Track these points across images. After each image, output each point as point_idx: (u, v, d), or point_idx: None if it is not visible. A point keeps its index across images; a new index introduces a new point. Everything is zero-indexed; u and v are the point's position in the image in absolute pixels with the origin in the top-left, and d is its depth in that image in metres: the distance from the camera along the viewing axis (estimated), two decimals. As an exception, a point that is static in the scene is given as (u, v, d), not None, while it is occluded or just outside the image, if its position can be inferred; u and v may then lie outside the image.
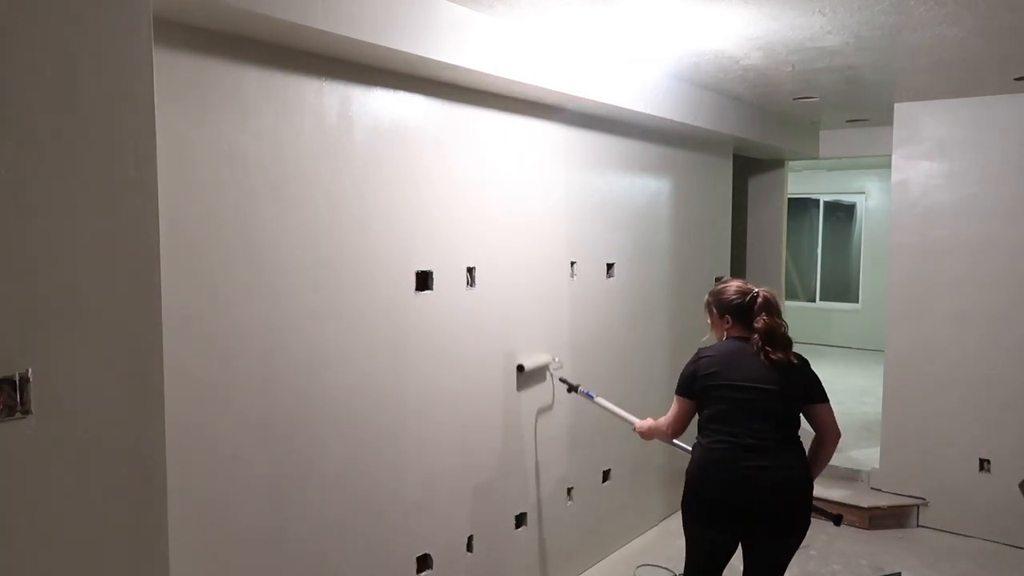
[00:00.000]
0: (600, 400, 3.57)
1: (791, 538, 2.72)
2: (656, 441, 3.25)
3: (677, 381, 2.89)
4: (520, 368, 3.54)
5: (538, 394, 3.73)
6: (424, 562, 3.13)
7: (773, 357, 2.69)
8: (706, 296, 2.96)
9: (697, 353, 2.86)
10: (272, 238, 2.49)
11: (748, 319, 2.77)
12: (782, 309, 2.82)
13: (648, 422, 3.12)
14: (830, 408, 2.78)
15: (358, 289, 2.79)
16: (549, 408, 3.82)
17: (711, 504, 2.71)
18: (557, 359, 3.71)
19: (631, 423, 3.28)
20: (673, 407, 2.90)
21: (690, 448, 2.90)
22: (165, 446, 1.40)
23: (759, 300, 2.77)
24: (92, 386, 1.28)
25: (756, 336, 2.73)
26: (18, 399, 1.20)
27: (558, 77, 3.30)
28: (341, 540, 2.78)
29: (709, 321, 2.95)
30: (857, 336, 9.87)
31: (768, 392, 2.68)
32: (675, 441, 3.12)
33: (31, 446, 1.22)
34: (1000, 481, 4.54)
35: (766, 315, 2.74)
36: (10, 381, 1.19)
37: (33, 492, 1.23)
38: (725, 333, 2.86)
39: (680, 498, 2.84)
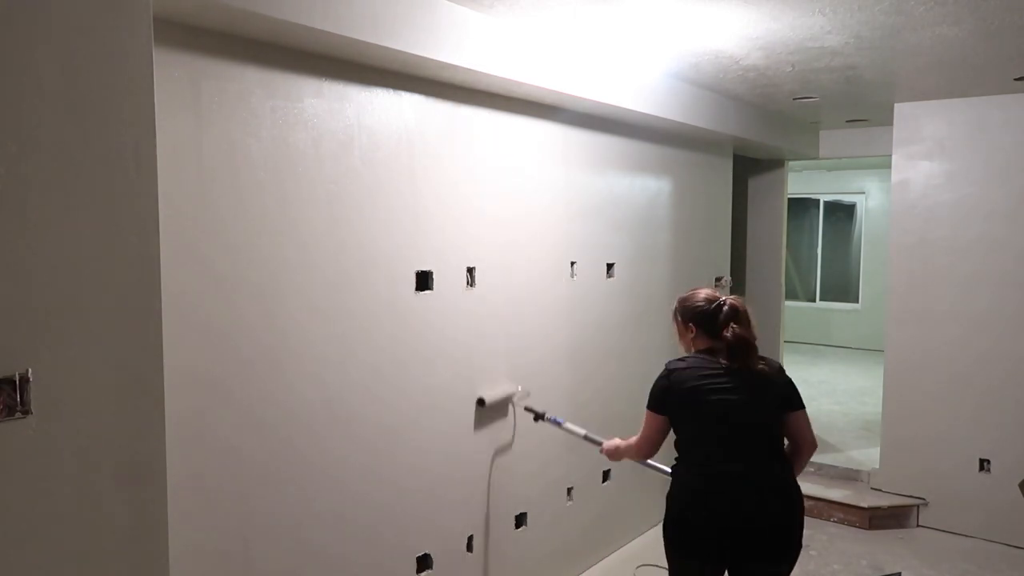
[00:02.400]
0: (568, 425, 3.41)
1: (783, 565, 2.53)
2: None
3: (648, 397, 2.68)
4: (480, 402, 3.32)
5: (538, 393, 3.73)
6: (424, 562, 3.13)
7: (746, 369, 2.52)
8: (674, 305, 2.79)
9: (666, 367, 2.64)
10: (272, 238, 2.49)
11: (715, 328, 2.58)
12: (751, 318, 2.64)
13: (615, 442, 2.94)
14: (807, 416, 2.61)
15: (358, 289, 2.79)
16: (550, 408, 3.82)
17: (695, 534, 2.50)
18: (521, 388, 3.54)
19: (599, 444, 3.09)
20: (644, 425, 2.68)
21: (669, 470, 2.72)
22: (165, 446, 1.40)
23: (725, 308, 2.58)
24: (92, 386, 1.28)
25: (725, 347, 2.54)
26: (18, 399, 1.20)
27: (558, 77, 3.30)
28: (341, 539, 2.78)
29: (675, 330, 2.77)
30: (857, 336, 9.87)
31: (746, 407, 2.49)
32: (650, 462, 2.91)
33: (31, 446, 1.22)
34: (1000, 481, 4.54)
35: (735, 324, 2.55)
36: (10, 381, 1.19)
37: (33, 492, 1.23)
38: (691, 344, 2.68)
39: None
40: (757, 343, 2.61)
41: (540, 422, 3.51)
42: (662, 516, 2.66)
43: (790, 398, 2.58)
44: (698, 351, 2.64)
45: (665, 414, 2.61)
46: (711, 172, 5.20)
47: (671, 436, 2.66)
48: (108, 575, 1.32)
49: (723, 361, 2.54)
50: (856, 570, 4.21)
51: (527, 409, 3.54)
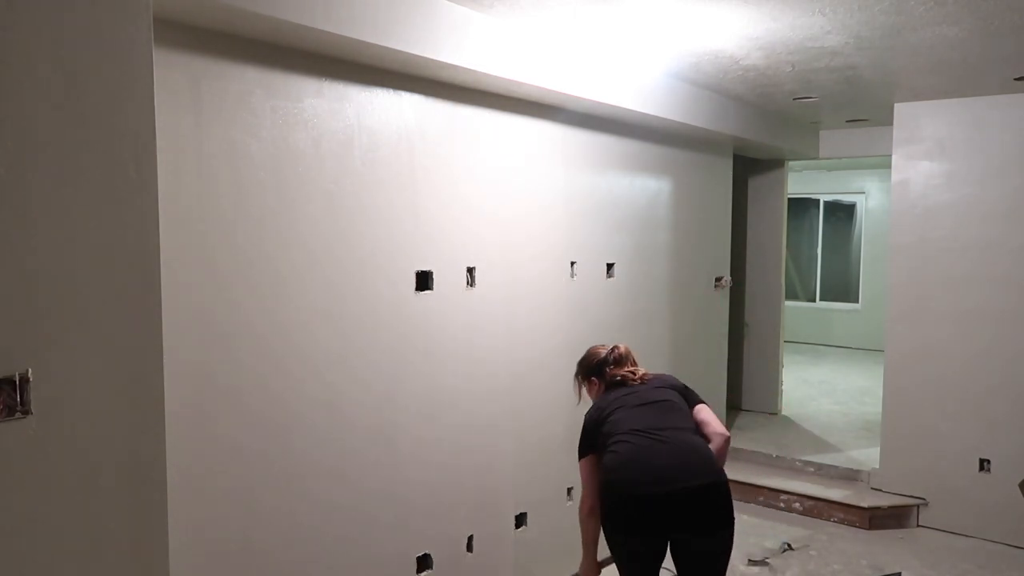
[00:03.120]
0: None
1: (716, 535, 2.52)
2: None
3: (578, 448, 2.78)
4: None
5: (539, 394, 3.73)
6: (424, 562, 3.13)
7: (637, 379, 2.83)
8: (575, 373, 3.02)
9: (586, 415, 2.81)
10: (272, 238, 2.49)
11: (612, 376, 2.86)
12: (635, 357, 2.96)
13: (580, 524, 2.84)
14: (708, 408, 2.81)
15: (358, 289, 2.79)
16: (550, 408, 3.82)
17: (623, 503, 2.53)
18: None
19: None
20: (582, 477, 2.75)
21: None
22: (165, 446, 1.40)
23: (614, 354, 2.90)
24: (92, 386, 1.28)
25: (624, 376, 2.83)
26: (18, 399, 1.20)
27: (558, 77, 3.30)
28: (341, 539, 2.78)
29: (583, 392, 3.00)
30: (857, 336, 9.87)
31: (648, 390, 2.76)
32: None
33: (31, 446, 1.22)
34: (1000, 481, 4.54)
35: (630, 364, 2.90)
36: (10, 381, 1.19)
37: (33, 492, 1.23)
38: (600, 394, 2.89)
39: None
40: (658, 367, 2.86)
41: None
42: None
43: (686, 394, 2.84)
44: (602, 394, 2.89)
45: (594, 450, 2.72)
46: (711, 172, 5.20)
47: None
48: (108, 575, 1.32)
49: (623, 380, 2.83)
50: (856, 570, 4.21)
51: None
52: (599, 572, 2.89)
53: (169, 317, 1.62)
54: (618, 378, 2.85)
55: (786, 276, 6.71)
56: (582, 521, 2.78)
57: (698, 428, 2.72)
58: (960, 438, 4.71)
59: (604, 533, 2.64)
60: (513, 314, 3.54)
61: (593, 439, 2.72)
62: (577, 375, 3.01)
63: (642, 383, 2.83)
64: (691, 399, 2.83)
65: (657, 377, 2.89)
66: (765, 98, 4.67)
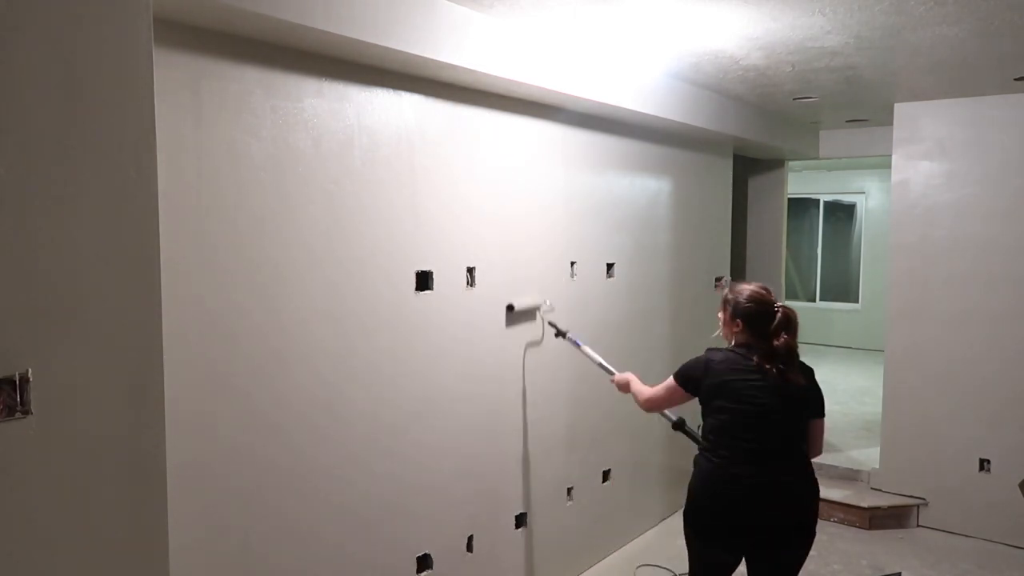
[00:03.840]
0: (586, 348, 3.58)
1: (798, 551, 2.66)
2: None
3: (680, 368, 2.79)
4: (510, 307, 3.49)
5: (539, 393, 3.73)
6: (424, 562, 3.13)
7: (787, 376, 2.61)
8: (725, 291, 2.81)
9: (705, 353, 2.73)
10: (273, 238, 2.49)
11: (761, 330, 2.65)
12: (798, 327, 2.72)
13: (628, 377, 3.15)
14: (823, 424, 2.75)
15: (358, 289, 2.79)
16: (550, 409, 3.82)
17: (714, 520, 2.63)
18: (548, 302, 3.71)
19: (611, 373, 3.34)
20: (664, 388, 2.82)
21: (674, 417, 3.06)
22: (165, 445, 1.40)
23: (779, 316, 2.65)
24: (92, 386, 1.28)
25: (771, 352, 2.62)
26: (18, 399, 1.20)
27: (558, 77, 3.30)
28: (341, 539, 2.78)
29: (720, 316, 2.81)
30: (857, 336, 9.87)
31: (776, 408, 2.59)
32: (665, 413, 3.09)
33: (31, 446, 1.22)
34: (1000, 481, 4.54)
35: (787, 335, 2.63)
36: (10, 381, 1.19)
37: (33, 492, 1.23)
38: (733, 336, 2.75)
39: (683, 501, 2.80)
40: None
41: (560, 339, 3.68)
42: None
43: (816, 405, 2.71)
44: (737, 344, 2.72)
45: (691, 392, 2.75)
46: (711, 172, 5.20)
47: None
48: (108, 575, 1.32)
49: (757, 360, 2.62)
50: (856, 570, 4.21)
51: (551, 324, 3.70)
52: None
53: (169, 317, 1.62)
54: (753, 345, 2.65)
55: (786, 276, 6.71)
56: (636, 400, 3.01)
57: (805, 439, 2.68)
58: (960, 438, 4.71)
59: (687, 533, 2.74)
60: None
61: (694, 386, 2.72)
62: (726, 301, 2.77)
63: (782, 381, 2.60)
64: (812, 411, 2.69)
65: (798, 379, 2.64)
66: (765, 98, 4.67)
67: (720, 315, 2.82)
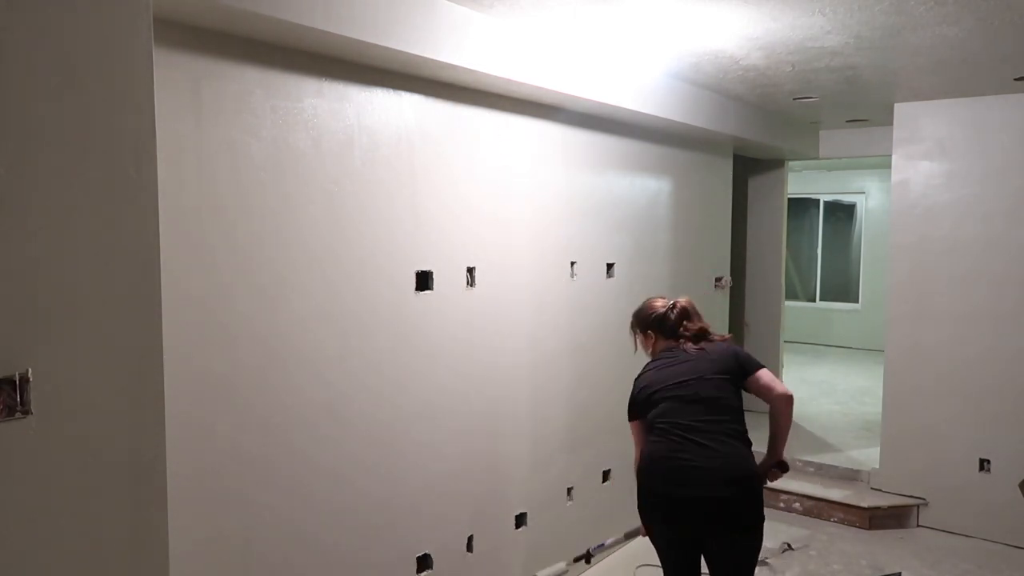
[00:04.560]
0: None
1: (743, 536, 2.66)
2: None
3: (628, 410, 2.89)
4: None
5: (539, 393, 3.73)
6: (424, 562, 3.13)
7: (708, 348, 2.80)
8: (630, 322, 3.03)
9: (634, 382, 2.89)
10: (273, 238, 2.49)
11: (670, 328, 2.88)
12: (700, 313, 2.95)
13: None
14: (768, 371, 2.80)
15: (359, 289, 2.79)
16: (550, 409, 3.82)
17: (655, 498, 2.70)
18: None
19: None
20: (633, 437, 2.88)
21: None
22: (165, 446, 1.40)
23: (677, 309, 2.89)
24: (92, 386, 1.28)
25: (683, 340, 2.84)
26: (18, 399, 1.20)
27: (558, 77, 3.30)
28: (341, 539, 2.78)
29: (637, 341, 3.02)
30: (857, 336, 9.87)
31: (700, 380, 2.72)
32: None
33: (31, 446, 1.21)
34: (1000, 481, 4.54)
35: (689, 322, 2.87)
36: (10, 381, 1.19)
37: (33, 492, 1.22)
38: (652, 348, 2.95)
39: None
40: (713, 336, 2.91)
41: None
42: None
43: (746, 363, 2.81)
44: (660, 352, 2.91)
45: (641, 417, 2.82)
46: (711, 172, 5.20)
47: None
48: (108, 575, 1.32)
49: (683, 349, 2.83)
50: (856, 570, 4.21)
51: None
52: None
53: (169, 317, 1.62)
54: (677, 340, 2.85)
55: (786, 276, 6.71)
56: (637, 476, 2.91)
57: (760, 395, 2.77)
58: (960, 438, 4.71)
59: (644, 527, 2.82)
60: (513, 314, 3.53)
61: (639, 408, 2.81)
62: (633, 326, 3.01)
63: (699, 359, 2.77)
64: (749, 368, 2.79)
65: (715, 351, 2.80)
66: (765, 98, 4.67)
67: (636, 340, 3.02)
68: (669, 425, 2.69)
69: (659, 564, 2.87)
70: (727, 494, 2.60)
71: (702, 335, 2.85)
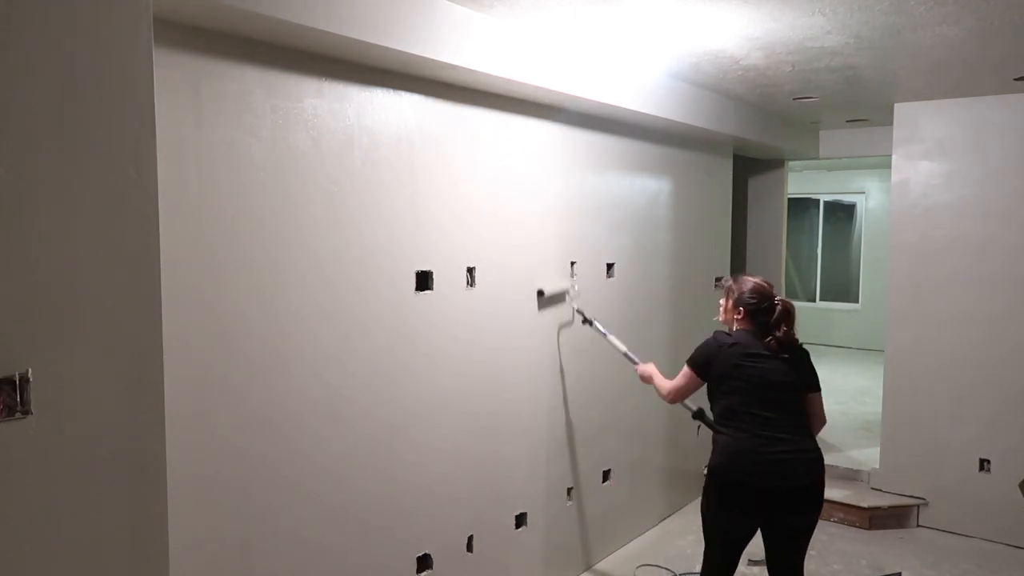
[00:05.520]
0: (611, 338, 3.70)
1: (809, 514, 2.88)
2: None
3: (693, 355, 3.01)
4: (540, 293, 3.66)
5: (539, 393, 3.73)
6: (424, 562, 3.13)
7: (785, 356, 2.89)
8: (728, 280, 3.09)
9: (715, 337, 2.98)
10: (273, 238, 2.49)
11: (762, 320, 2.92)
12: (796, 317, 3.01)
13: (651, 369, 3.33)
14: (821, 397, 2.97)
15: (359, 289, 2.79)
16: (550, 409, 3.82)
17: (737, 488, 2.83)
18: (576, 287, 3.84)
19: (635, 363, 3.48)
20: (681, 377, 3.04)
21: (693, 407, 3.14)
22: (165, 446, 1.40)
23: (778, 309, 2.93)
24: (92, 386, 1.28)
25: (773, 341, 2.89)
26: (18, 399, 1.20)
27: (558, 77, 3.30)
28: (341, 539, 2.78)
29: (722, 303, 3.08)
30: (857, 336, 9.87)
31: (782, 385, 2.86)
32: (685, 403, 3.18)
33: (31, 446, 1.22)
34: (1000, 481, 4.54)
35: (786, 326, 2.92)
36: (10, 381, 1.19)
37: (33, 492, 1.23)
38: (735, 323, 3.01)
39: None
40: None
41: (587, 326, 3.83)
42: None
43: (812, 380, 2.96)
44: (743, 331, 2.97)
45: (704, 379, 2.97)
46: (711, 172, 5.20)
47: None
48: (108, 575, 1.32)
49: (764, 343, 2.89)
50: (856, 570, 4.21)
51: (578, 311, 3.86)
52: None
53: (169, 317, 1.62)
54: (756, 336, 2.90)
55: (786, 276, 6.71)
56: (658, 391, 3.22)
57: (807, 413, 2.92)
58: (960, 438, 4.71)
59: (706, 506, 2.95)
60: (513, 314, 3.53)
61: (709, 370, 2.94)
62: (730, 293, 3.03)
63: (782, 359, 2.87)
64: (814, 386, 2.94)
65: (796, 356, 2.91)
66: (765, 98, 4.67)
67: (722, 302, 3.09)
68: (753, 418, 2.83)
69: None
70: (807, 482, 2.82)
71: (790, 343, 2.90)
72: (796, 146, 5.73)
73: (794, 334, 2.93)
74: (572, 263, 3.91)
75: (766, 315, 2.91)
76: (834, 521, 4.85)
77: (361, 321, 2.80)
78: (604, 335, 3.73)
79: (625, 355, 3.61)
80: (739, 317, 2.97)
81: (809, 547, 4.46)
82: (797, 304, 3.15)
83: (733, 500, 2.85)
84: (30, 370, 1.21)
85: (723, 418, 2.91)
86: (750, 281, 2.98)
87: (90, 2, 1.27)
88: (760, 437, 2.81)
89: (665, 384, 3.18)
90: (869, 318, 9.51)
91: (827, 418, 3.01)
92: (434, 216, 3.08)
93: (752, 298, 2.94)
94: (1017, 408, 4.53)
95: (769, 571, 2.99)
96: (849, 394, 7.42)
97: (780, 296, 2.99)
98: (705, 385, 3.00)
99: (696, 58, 3.61)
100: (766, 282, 3.00)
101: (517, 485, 3.64)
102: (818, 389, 2.95)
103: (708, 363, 2.94)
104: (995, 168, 4.58)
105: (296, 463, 2.61)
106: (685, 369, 3.03)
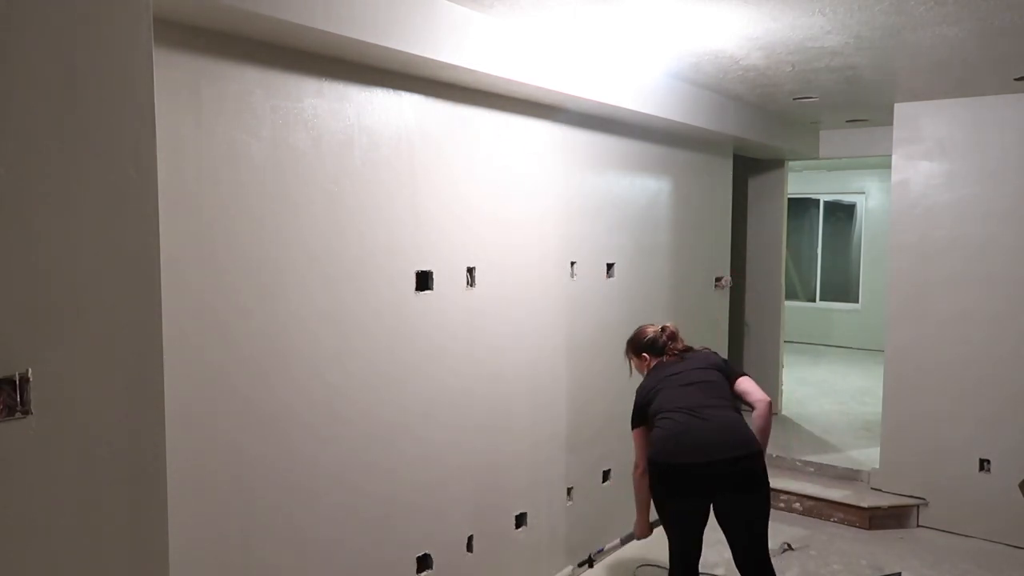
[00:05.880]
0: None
1: (753, 495, 2.93)
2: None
3: (631, 419, 3.22)
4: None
5: (539, 393, 3.73)
6: (424, 562, 3.13)
7: (692, 356, 3.24)
8: (624, 349, 3.46)
9: (637, 390, 3.26)
10: (273, 238, 2.49)
11: (658, 349, 3.30)
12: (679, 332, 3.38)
13: (634, 487, 3.35)
14: (749, 378, 3.18)
15: (359, 289, 2.79)
16: (550, 408, 3.82)
17: (669, 470, 2.95)
18: None
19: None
20: (634, 442, 3.22)
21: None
22: (165, 445, 1.40)
23: (667, 332, 3.33)
24: (92, 386, 1.28)
25: (674, 354, 3.25)
26: (18, 399, 1.20)
27: (558, 77, 3.30)
28: (341, 539, 2.78)
29: (632, 364, 3.45)
30: (857, 336, 9.87)
31: (696, 380, 3.09)
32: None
33: (31, 446, 1.22)
34: (1000, 481, 4.54)
35: (673, 342, 3.30)
36: (10, 381, 1.19)
37: (33, 492, 1.23)
38: (645, 369, 3.34)
39: None
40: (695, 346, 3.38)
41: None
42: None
43: (728, 367, 3.23)
44: (650, 369, 3.32)
45: (645, 423, 3.14)
46: (711, 172, 5.20)
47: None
48: (108, 575, 1.32)
49: (668, 357, 3.26)
50: (856, 570, 4.21)
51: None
52: (650, 532, 3.44)
53: (169, 317, 1.62)
54: (664, 357, 3.26)
55: (786, 276, 6.71)
56: (635, 483, 3.29)
57: (741, 399, 3.12)
58: (960, 438, 4.71)
59: (654, 499, 3.08)
60: (513, 314, 3.54)
61: (643, 414, 3.15)
62: (627, 351, 3.44)
63: (686, 360, 3.20)
64: (732, 373, 3.20)
65: (700, 355, 3.25)
66: (765, 98, 4.67)
67: (632, 363, 3.46)
68: (671, 409, 3.01)
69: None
70: (737, 454, 2.89)
71: (687, 350, 3.27)
72: (796, 146, 5.73)
73: (688, 346, 3.28)
74: (572, 263, 3.91)
75: (659, 343, 3.29)
76: (834, 521, 4.85)
77: (361, 321, 2.80)
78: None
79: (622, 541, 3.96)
80: (647, 361, 3.32)
81: (810, 548, 4.49)
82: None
83: (670, 483, 2.96)
84: (30, 370, 1.21)
85: (654, 424, 3.06)
86: (633, 333, 3.43)
87: (90, 2, 1.27)
88: (679, 424, 2.96)
89: (634, 472, 3.30)
90: (869, 318, 9.51)
91: (766, 394, 3.12)
92: (434, 216, 3.08)
93: (642, 339, 3.35)
94: (1017, 408, 4.53)
95: (739, 571, 3.03)
96: (849, 394, 7.42)
97: (662, 324, 3.38)
98: None
99: (696, 58, 3.61)
100: (647, 326, 3.41)
101: (517, 485, 3.64)
102: (741, 374, 3.20)
103: (642, 409, 3.15)
104: (995, 168, 4.58)
105: (296, 462, 2.61)
106: (632, 434, 3.22)
